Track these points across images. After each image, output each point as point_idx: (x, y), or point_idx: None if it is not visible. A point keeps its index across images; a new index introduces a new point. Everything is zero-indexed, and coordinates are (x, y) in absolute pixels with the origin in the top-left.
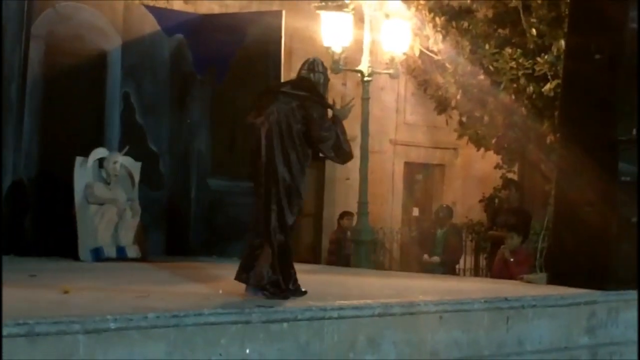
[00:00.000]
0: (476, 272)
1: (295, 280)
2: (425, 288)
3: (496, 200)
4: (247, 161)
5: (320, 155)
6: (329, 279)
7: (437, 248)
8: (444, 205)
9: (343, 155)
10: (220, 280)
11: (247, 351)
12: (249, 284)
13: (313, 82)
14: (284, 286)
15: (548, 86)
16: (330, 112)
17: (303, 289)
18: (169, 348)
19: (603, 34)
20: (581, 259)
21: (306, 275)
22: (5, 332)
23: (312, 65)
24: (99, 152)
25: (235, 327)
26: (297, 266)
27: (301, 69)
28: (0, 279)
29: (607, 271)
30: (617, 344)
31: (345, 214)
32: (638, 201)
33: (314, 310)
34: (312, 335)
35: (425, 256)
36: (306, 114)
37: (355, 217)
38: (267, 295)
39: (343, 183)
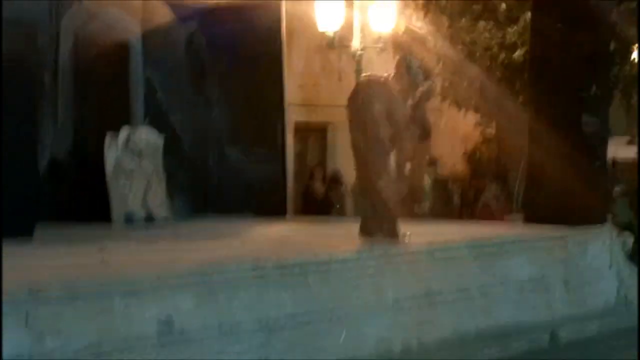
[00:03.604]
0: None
1: None
2: (417, 232)
3: (477, 154)
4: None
5: None
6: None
7: (425, 197)
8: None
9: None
10: (238, 234)
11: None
12: None
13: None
14: None
15: (518, 52)
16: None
17: None
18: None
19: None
20: (553, 201)
21: None
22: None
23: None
24: (126, 129)
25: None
26: None
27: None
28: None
29: (575, 210)
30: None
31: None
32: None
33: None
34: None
35: (416, 205)
36: None
37: None
38: None
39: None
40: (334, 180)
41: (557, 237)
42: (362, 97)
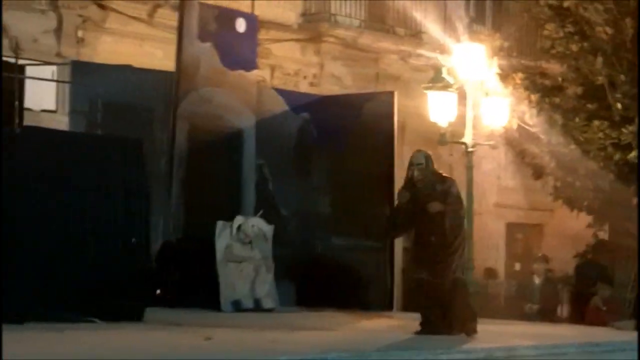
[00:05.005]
0: (571, 320)
1: None
2: (524, 333)
3: (589, 256)
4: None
5: None
6: None
7: (534, 297)
8: (540, 255)
9: None
10: (340, 327)
11: None
12: None
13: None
14: None
15: (633, 154)
16: None
17: None
18: None
19: None
20: None
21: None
22: None
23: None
24: (239, 220)
25: None
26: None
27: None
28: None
29: None
30: None
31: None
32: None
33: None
34: None
35: (528, 305)
36: None
37: None
38: None
39: None
40: None
41: None
42: None
